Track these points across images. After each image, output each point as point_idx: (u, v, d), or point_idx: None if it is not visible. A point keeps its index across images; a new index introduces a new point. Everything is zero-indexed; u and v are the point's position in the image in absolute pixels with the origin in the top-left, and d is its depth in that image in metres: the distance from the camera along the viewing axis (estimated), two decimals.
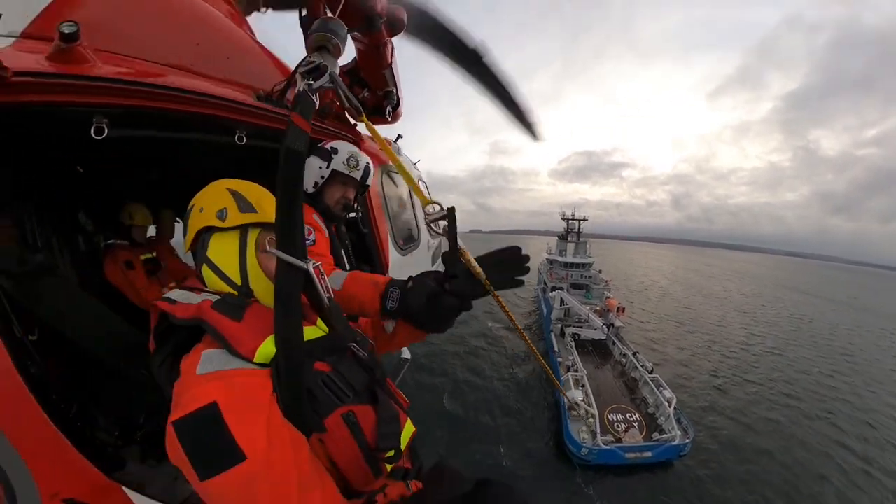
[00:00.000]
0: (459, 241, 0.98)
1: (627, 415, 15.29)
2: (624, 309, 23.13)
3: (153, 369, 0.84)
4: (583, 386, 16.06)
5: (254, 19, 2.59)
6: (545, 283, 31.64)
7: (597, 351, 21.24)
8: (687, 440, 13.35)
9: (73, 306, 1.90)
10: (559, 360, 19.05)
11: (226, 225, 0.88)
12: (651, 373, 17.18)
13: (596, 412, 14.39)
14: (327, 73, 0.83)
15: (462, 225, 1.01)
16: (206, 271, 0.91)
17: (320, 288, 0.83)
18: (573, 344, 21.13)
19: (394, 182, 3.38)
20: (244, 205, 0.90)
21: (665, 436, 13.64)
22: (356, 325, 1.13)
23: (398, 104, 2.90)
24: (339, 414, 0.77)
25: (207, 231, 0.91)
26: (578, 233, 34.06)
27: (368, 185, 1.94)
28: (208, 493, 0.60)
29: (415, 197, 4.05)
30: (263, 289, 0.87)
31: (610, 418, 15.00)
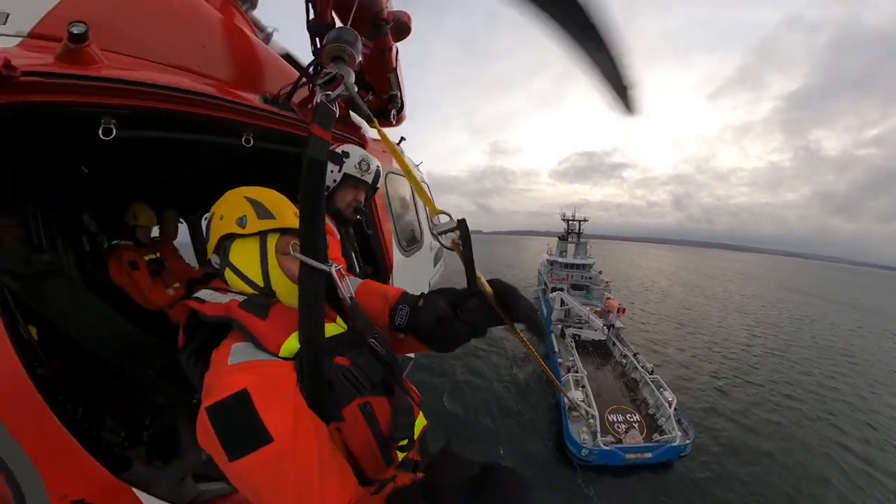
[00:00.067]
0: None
1: (628, 415, 15.26)
2: (624, 310, 23.11)
3: (182, 361, 0.89)
4: (583, 387, 16.03)
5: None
6: (545, 283, 31.62)
7: (597, 352, 21.19)
8: (687, 441, 13.32)
9: (77, 306, 1.90)
10: (559, 360, 19.03)
11: (246, 232, 0.93)
12: (651, 374, 17.15)
13: (596, 413, 14.36)
14: (343, 83, 0.85)
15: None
16: (229, 275, 0.96)
17: (341, 288, 0.89)
18: (573, 345, 21.09)
19: (397, 183, 3.38)
20: (262, 212, 0.95)
21: (665, 436, 13.61)
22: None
23: (402, 107, 2.91)
24: (357, 404, 0.82)
25: (228, 238, 0.96)
26: (579, 233, 34.04)
27: (378, 188, 1.95)
28: (237, 473, 0.65)
29: (417, 198, 4.06)
30: (285, 290, 0.93)
31: (610, 419, 14.97)
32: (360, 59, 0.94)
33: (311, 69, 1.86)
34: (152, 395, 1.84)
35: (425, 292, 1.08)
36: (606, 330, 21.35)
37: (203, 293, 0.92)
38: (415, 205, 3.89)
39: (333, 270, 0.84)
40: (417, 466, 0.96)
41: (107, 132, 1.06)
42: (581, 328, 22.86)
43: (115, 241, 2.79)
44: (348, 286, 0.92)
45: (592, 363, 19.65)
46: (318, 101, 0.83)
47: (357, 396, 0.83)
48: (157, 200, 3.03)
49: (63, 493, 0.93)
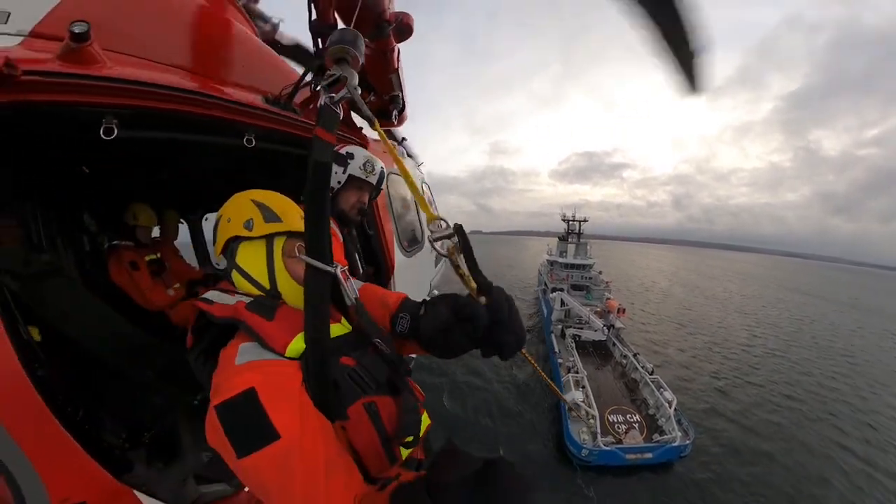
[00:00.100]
0: (464, 268, 0.89)
1: (628, 416, 15.25)
2: (624, 310, 23.09)
3: (190, 361, 0.90)
4: (583, 387, 16.02)
5: None
6: (545, 284, 31.59)
7: (597, 352, 21.17)
8: (687, 441, 13.32)
9: (77, 307, 1.90)
10: (559, 361, 19.02)
11: (252, 234, 0.95)
12: (651, 374, 17.13)
13: (596, 413, 14.35)
14: (347, 85, 0.85)
15: (464, 227, 0.89)
16: (236, 276, 0.98)
17: (346, 289, 0.90)
18: (574, 345, 21.08)
19: (398, 183, 3.38)
20: (269, 215, 0.96)
21: (665, 437, 13.61)
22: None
23: (403, 108, 2.91)
24: (362, 404, 0.84)
25: (235, 240, 0.98)
26: (579, 234, 34.01)
27: (382, 189, 1.94)
28: (245, 470, 0.66)
29: (408, 187, 4.03)
30: (291, 291, 0.94)
31: (610, 419, 14.95)
32: (363, 60, 0.93)
33: (311, 71, 1.85)
34: (152, 397, 1.83)
35: (427, 299, 1.06)
36: (606, 330, 21.33)
37: (211, 294, 0.94)
38: (416, 205, 3.88)
39: (338, 272, 0.85)
40: (421, 465, 0.98)
41: (108, 132, 1.06)
42: (581, 328, 22.83)
43: (115, 242, 2.79)
44: (353, 287, 0.93)
45: (592, 363, 19.63)
46: (322, 103, 0.84)
47: (362, 396, 0.84)
48: (158, 200, 3.02)
49: (64, 496, 0.92)
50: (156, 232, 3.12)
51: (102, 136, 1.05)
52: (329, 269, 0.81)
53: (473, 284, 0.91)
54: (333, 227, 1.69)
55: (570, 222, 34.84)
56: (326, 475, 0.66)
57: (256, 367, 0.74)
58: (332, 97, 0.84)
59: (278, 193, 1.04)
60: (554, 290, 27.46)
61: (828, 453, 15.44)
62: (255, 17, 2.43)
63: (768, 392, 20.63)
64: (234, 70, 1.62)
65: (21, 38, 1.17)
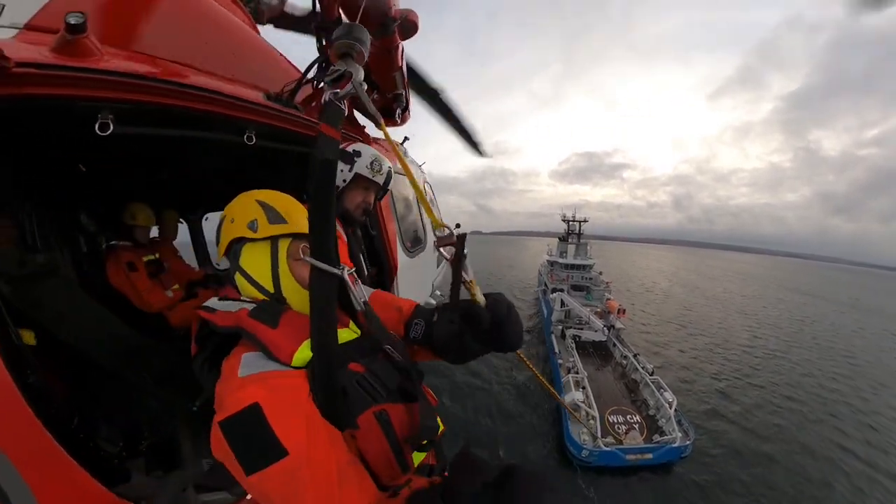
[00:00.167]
0: (471, 275, 0.94)
1: (628, 416, 15.21)
2: (625, 311, 23.06)
3: (195, 369, 0.89)
4: (583, 388, 15.99)
5: None
6: (546, 284, 31.56)
7: (597, 353, 21.13)
8: (688, 442, 13.28)
9: (74, 308, 1.85)
10: (560, 361, 18.98)
11: (257, 236, 0.92)
12: (652, 374, 17.10)
13: (596, 414, 14.32)
14: (352, 81, 0.82)
15: (463, 227, 1.00)
16: (239, 279, 0.95)
17: (353, 293, 0.87)
18: (574, 345, 21.03)
19: (400, 183, 3.34)
20: (274, 216, 0.93)
21: (666, 437, 13.57)
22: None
23: (407, 106, 2.87)
24: (372, 412, 0.81)
25: (239, 242, 0.95)
26: (579, 234, 33.98)
27: (389, 190, 1.90)
28: (254, 486, 0.64)
29: (415, 194, 4.00)
30: (296, 296, 0.91)
31: (610, 420, 14.92)
32: (368, 55, 0.91)
33: (315, 66, 1.81)
34: (150, 402, 1.79)
35: (437, 305, 1.08)
36: (607, 331, 21.29)
37: (212, 302, 0.91)
38: (418, 205, 3.85)
39: (345, 274, 0.82)
40: (433, 470, 0.95)
41: (104, 128, 1.01)
42: (581, 329, 22.78)
43: (113, 242, 2.74)
44: (361, 290, 0.89)
45: (593, 364, 19.59)
46: (327, 99, 0.80)
47: (372, 404, 0.82)
48: (157, 200, 2.98)
49: None
50: (155, 232, 3.08)
51: (98, 131, 1.00)
52: (335, 271, 0.78)
53: (476, 291, 0.95)
54: (338, 227, 1.65)
55: (571, 223, 34.81)
56: (339, 487, 0.64)
57: (260, 380, 0.71)
58: (337, 93, 0.80)
59: (284, 194, 1.01)
60: (554, 290, 27.41)
61: (829, 455, 15.41)
62: None
63: (769, 393, 20.59)
64: (235, 65, 1.58)
65: (16, 31, 1.13)
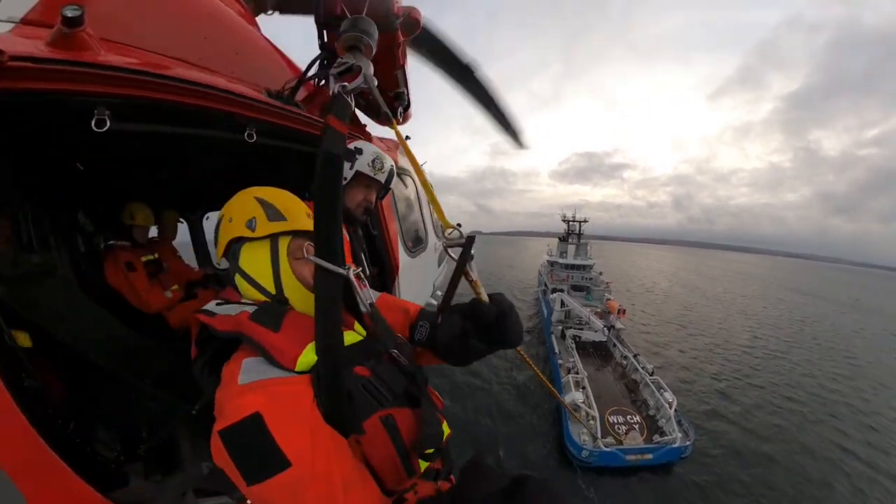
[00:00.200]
0: (475, 275, 0.95)
1: (628, 417, 15.21)
2: (625, 311, 23.06)
3: (195, 373, 0.86)
4: (583, 388, 15.98)
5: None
6: (546, 284, 31.56)
7: (597, 353, 21.14)
8: (688, 442, 13.28)
9: (71, 308, 1.83)
10: (560, 362, 18.97)
11: (256, 235, 0.89)
12: (652, 375, 17.11)
13: (597, 414, 14.32)
14: (362, 75, 0.80)
15: (464, 227, 0.97)
16: (239, 281, 0.92)
17: (359, 294, 0.84)
18: (574, 346, 21.03)
19: (402, 183, 3.31)
20: (273, 213, 0.91)
21: (666, 438, 13.57)
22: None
23: (408, 105, 2.84)
24: (378, 417, 0.78)
25: (238, 241, 0.92)
26: (579, 234, 33.98)
27: (390, 189, 1.87)
28: (255, 496, 0.62)
29: (422, 197, 3.99)
30: (298, 296, 0.89)
31: (610, 420, 14.91)
32: (375, 48, 0.88)
33: (316, 63, 1.79)
34: (149, 405, 1.76)
35: (444, 308, 1.05)
36: (607, 331, 21.28)
37: (211, 305, 0.88)
38: (419, 205, 3.82)
39: (351, 274, 0.79)
40: (439, 475, 0.93)
41: (100, 124, 0.99)
42: (581, 329, 22.78)
43: (111, 242, 2.72)
44: (368, 291, 0.86)
45: (593, 364, 19.59)
46: (335, 91, 0.77)
47: (378, 409, 0.79)
48: (156, 199, 2.95)
49: None
50: (153, 232, 3.06)
51: (94, 128, 0.98)
52: (341, 271, 0.74)
53: (480, 290, 0.95)
54: None
55: (571, 223, 34.81)
56: (344, 495, 0.62)
57: (261, 388, 0.68)
58: (345, 86, 0.77)
59: (284, 190, 0.98)
60: (554, 290, 27.41)
61: (829, 455, 15.40)
62: None
63: (769, 394, 20.59)
64: (235, 62, 1.56)
65: (12, 25, 1.11)
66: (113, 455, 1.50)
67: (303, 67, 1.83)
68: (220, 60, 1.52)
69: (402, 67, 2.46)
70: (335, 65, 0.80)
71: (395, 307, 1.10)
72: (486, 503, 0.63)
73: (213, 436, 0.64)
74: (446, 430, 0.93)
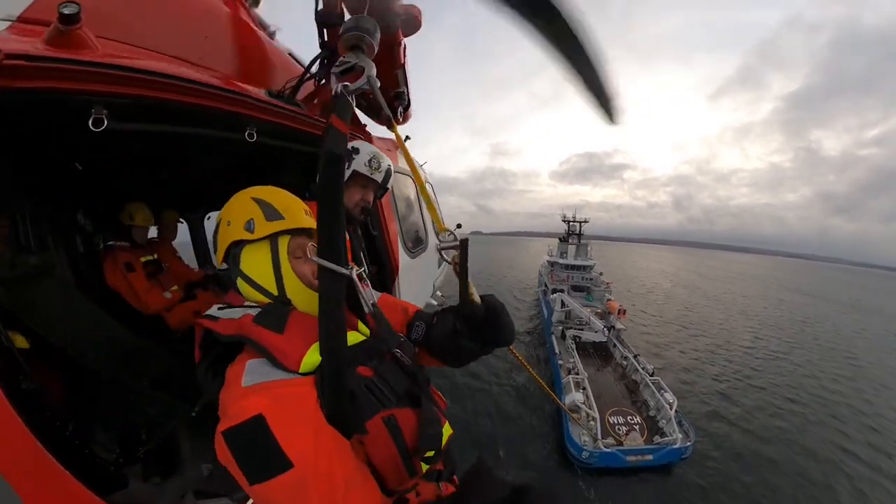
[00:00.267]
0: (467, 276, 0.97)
1: (628, 417, 15.18)
2: (625, 311, 23.03)
3: (198, 376, 0.86)
4: (584, 388, 15.96)
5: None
6: (546, 285, 31.56)
7: (598, 353, 21.12)
8: (688, 443, 13.25)
9: (70, 310, 1.82)
10: (560, 362, 18.95)
11: (255, 237, 0.89)
12: (652, 375, 17.09)
13: (597, 415, 14.29)
14: (365, 75, 0.80)
15: (464, 227, 1.03)
16: (241, 284, 0.92)
17: (362, 294, 0.85)
18: (574, 346, 21.01)
19: (402, 182, 3.30)
20: (270, 212, 0.90)
21: (666, 439, 13.55)
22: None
23: (409, 105, 2.83)
24: (381, 417, 0.79)
25: (237, 245, 0.92)
26: (579, 235, 34.00)
27: (388, 188, 1.87)
28: (258, 496, 0.63)
29: (422, 197, 3.98)
30: (301, 296, 0.89)
31: (611, 421, 14.89)
32: (377, 48, 0.88)
33: (317, 63, 1.78)
34: (148, 407, 1.75)
35: (440, 309, 1.09)
36: (607, 332, 21.26)
37: (213, 310, 0.88)
38: (419, 205, 3.81)
39: (354, 274, 0.79)
40: (441, 475, 0.93)
41: (98, 123, 0.98)
42: (582, 330, 22.76)
43: (110, 242, 2.71)
44: (371, 291, 0.88)
45: (593, 365, 19.58)
46: (338, 91, 0.77)
47: (381, 409, 0.80)
48: (156, 199, 2.94)
49: None
50: (153, 232, 3.05)
51: (91, 127, 0.97)
52: (344, 271, 0.75)
53: (473, 290, 0.97)
54: None
55: (571, 223, 34.84)
56: (345, 495, 0.63)
57: (264, 390, 0.68)
58: (347, 86, 0.77)
59: (280, 189, 0.98)
60: (554, 291, 27.42)
61: (830, 457, 15.36)
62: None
63: (770, 395, 20.54)
64: (236, 62, 1.55)
65: (8, 24, 1.10)
66: (112, 457, 1.50)
67: (302, 66, 1.83)
68: (219, 59, 1.51)
69: (403, 67, 2.45)
70: (337, 64, 0.80)
71: (394, 307, 1.11)
72: None
73: (217, 436, 0.65)
74: (448, 430, 0.93)
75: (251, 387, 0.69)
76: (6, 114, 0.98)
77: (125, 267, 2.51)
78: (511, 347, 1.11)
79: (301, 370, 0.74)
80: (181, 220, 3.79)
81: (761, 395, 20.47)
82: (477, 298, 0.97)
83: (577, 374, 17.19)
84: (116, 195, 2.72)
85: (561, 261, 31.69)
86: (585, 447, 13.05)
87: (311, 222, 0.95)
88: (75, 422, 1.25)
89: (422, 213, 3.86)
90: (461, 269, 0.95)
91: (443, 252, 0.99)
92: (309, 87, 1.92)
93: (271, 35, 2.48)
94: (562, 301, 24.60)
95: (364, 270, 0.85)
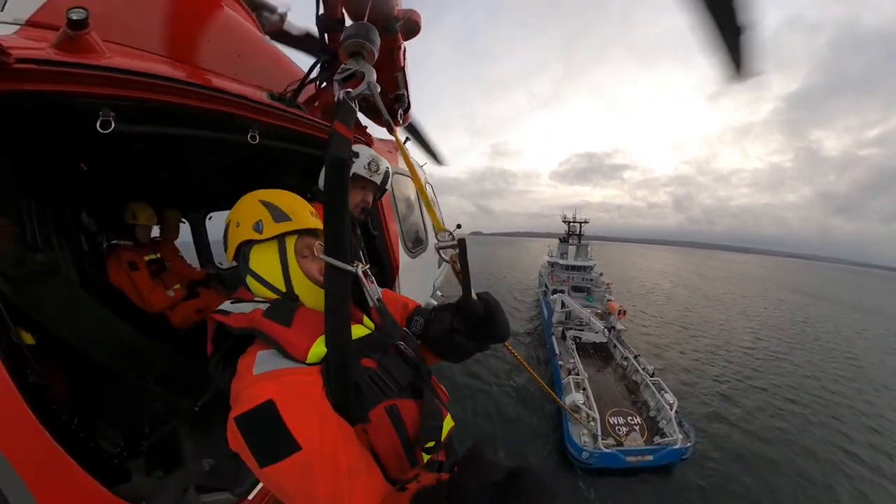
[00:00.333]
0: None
1: (629, 418, 15.16)
2: (625, 312, 23.01)
3: (210, 368, 0.90)
4: (584, 389, 15.96)
5: None
6: (546, 285, 31.53)
7: (598, 354, 21.10)
8: (688, 444, 13.23)
9: (74, 308, 1.85)
10: (560, 363, 18.94)
11: (263, 237, 0.93)
12: (652, 376, 17.07)
13: (597, 415, 14.28)
14: (365, 81, 0.84)
15: (464, 228, 1.06)
16: (251, 282, 0.96)
17: (368, 289, 0.88)
18: (574, 347, 20.99)
19: (402, 183, 3.33)
20: (278, 214, 0.94)
21: (666, 439, 13.53)
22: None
23: (409, 107, 2.86)
24: (383, 407, 0.83)
25: (247, 245, 0.96)
26: (580, 235, 33.99)
27: (387, 190, 1.91)
28: (268, 478, 0.67)
29: (421, 199, 4.00)
30: (308, 293, 0.93)
31: (611, 421, 14.87)
32: (378, 54, 0.91)
33: (318, 66, 1.81)
34: (151, 402, 1.78)
35: (438, 305, 1.12)
36: (607, 332, 21.24)
37: (226, 304, 0.92)
38: (419, 205, 3.84)
39: (359, 271, 0.84)
40: (442, 466, 0.96)
41: (105, 125, 1.01)
42: (582, 330, 22.75)
43: (114, 241, 2.74)
44: (375, 287, 0.91)
45: (593, 365, 19.56)
46: (340, 97, 0.81)
47: (383, 399, 0.84)
48: (159, 199, 2.97)
49: None
50: (156, 232, 3.08)
51: (99, 129, 1.00)
52: (350, 268, 0.79)
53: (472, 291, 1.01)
54: None
55: (571, 224, 34.83)
56: (349, 480, 0.66)
57: (274, 377, 0.72)
58: (349, 92, 0.81)
59: (286, 191, 1.02)
60: (555, 291, 27.41)
61: (831, 457, 15.33)
62: (261, 8, 2.38)
63: (771, 395, 20.50)
64: (238, 65, 1.58)
65: (17, 27, 1.13)
66: (116, 451, 1.52)
67: (304, 69, 1.86)
68: (223, 63, 1.54)
69: (403, 69, 2.48)
70: (339, 71, 0.84)
71: (395, 301, 1.16)
72: (481, 494, 0.65)
73: (230, 423, 0.68)
74: (449, 422, 0.96)
75: (262, 374, 0.73)
76: (15, 116, 1.01)
77: (129, 266, 2.54)
78: (511, 347, 1.16)
79: (308, 361, 0.78)
80: (183, 219, 3.82)
81: (762, 395, 20.43)
82: (473, 295, 1.00)
83: (578, 374, 17.18)
84: (120, 195, 2.75)
85: (561, 261, 31.69)
86: (585, 447, 13.04)
87: (316, 223, 0.99)
88: (80, 417, 1.27)
89: (422, 214, 3.88)
90: (462, 266, 0.99)
91: (441, 251, 1.02)
92: (310, 90, 1.95)
93: (282, 17, 2.50)
94: (562, 302, 24.60)
95: (367, 268, 0.88)
